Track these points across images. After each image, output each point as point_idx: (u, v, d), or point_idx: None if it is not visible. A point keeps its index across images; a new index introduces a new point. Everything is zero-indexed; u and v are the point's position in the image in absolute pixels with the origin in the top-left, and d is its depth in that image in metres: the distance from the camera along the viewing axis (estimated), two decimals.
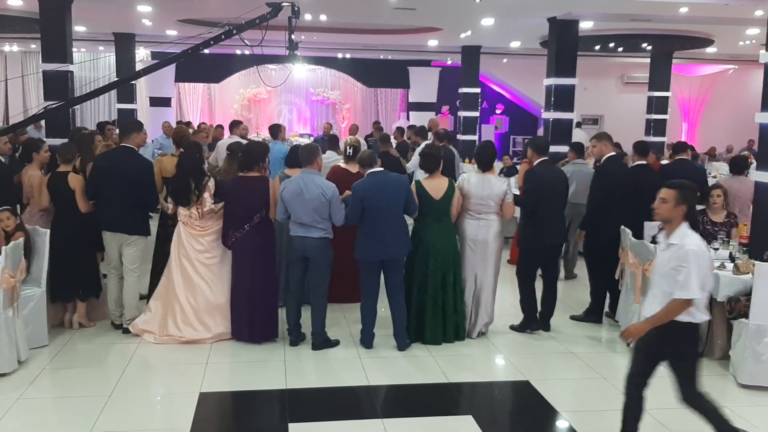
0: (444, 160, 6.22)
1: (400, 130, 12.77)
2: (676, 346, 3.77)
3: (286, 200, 5.58)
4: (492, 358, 5.82)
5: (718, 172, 12.29)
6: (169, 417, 4.66)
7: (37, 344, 5.59)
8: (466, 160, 12.66)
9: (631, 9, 10.46)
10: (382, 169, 5.78)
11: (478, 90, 16.67)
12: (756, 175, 6.69)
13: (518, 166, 10.53)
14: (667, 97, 16.49)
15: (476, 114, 16.88)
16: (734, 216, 6.64)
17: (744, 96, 19.48)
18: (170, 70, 18.38)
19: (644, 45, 14.70)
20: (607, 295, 6.77)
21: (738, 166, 7.65)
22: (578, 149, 8.31)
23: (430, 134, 10.19)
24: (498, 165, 10.81)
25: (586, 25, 11.70)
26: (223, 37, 7.29)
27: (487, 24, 12.45)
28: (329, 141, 9.42)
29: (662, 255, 3.80)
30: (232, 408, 4.92)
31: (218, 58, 18.80)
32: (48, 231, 5.75)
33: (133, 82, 15.25)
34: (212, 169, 6.90)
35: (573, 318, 6.73)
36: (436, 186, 5.84)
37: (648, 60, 16.67)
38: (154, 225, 6.43)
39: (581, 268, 7.91)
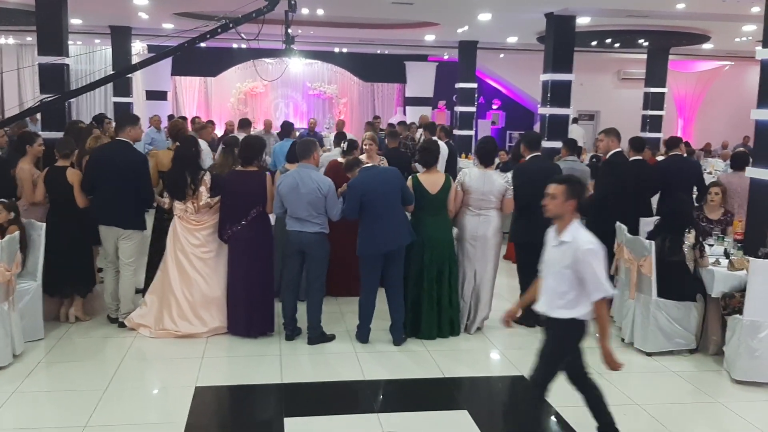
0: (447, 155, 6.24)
1: (390, 127, 12.76)
2: (553, 333, 3.81)
3: (282, 194, 5.58)
4: (488, 352, 5.84)
5: (713, 168, 12.33)
6: (164, 411, 4.66)
7: (33, 338, 5.59)
8: (462, 155, 12.67)
9: (628, 5, 10.46)
10: (371, 164, 5.81)
11: (474, 85, 16.66)
12: (751, 171, 6.70)
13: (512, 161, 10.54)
14: (664, 93, 16.51)
15: (473, 109, 16.87)
16: (730, 214, 6.67)
17: (740, 93, 19.52)
18: (167, 63, 18.31)
19: (641, 41, 14.71)
20: None
21: (738, 162, 7.67)
22: (571, 146, 8.33)
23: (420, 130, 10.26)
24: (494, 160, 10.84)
25: (582, 21, 11.69)
26: (219, 30, 7.26)
27: (484, 19, 12.43)
28: (336, 137, 9.45)
29: (553, 252, 3.75)
30: (228, 402, 4.93)
31: (215, 51, 18.75)
32: (44, 225, 5.74)
33: (130, 75, 15.19)
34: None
35: None
36: (432, 181, 5.85)
37: (644, 56, 16.67)
38: (150, 219, 6.42)
39: None
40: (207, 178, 5.89)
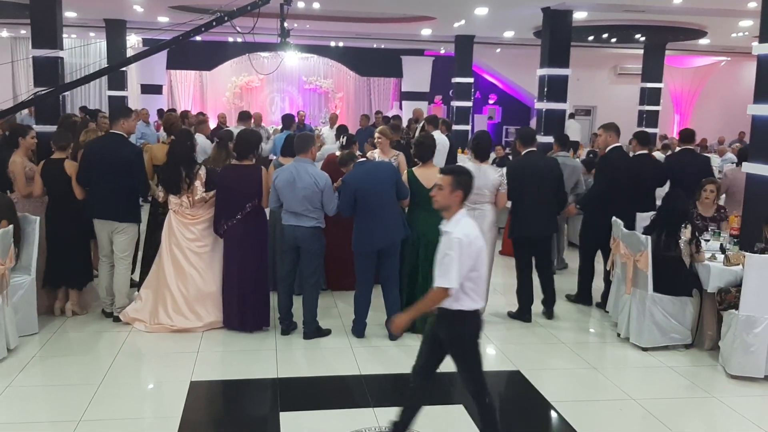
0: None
1: (386, 120, 12.74)
2: (446, 333, 3.69)
3: (278, 188, 5.56)
4: (483, 347, 5.80)
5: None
6: (159, 405, 4.65)
7: (27, 332, 5.57)
8: (459, 149, 12.65)
9: None
10: (365, 158, 5.78)
11: (471, 80, 16.63)
12: (747, 167, 6.70)
13: (510, 157, 10.54)
14: (660, 89, 16.53)
15: (469, 104, 16.84)
16: (724, 210, 6.68)
17: (736, 88, 19.53)
18: (162, 57, 18.24)
19: (637, 36, 14.70)
20: (595, 282, 6.88)
21: (746, 156, 7.66)
22: (562, 141, 8.33)
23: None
24: (490, 155, 10.83)
25: (579, 16, 11.67)
26: (214, 23, 7.22)
27: (480, 13, 12.41)
28: (338, 131, 9.44)
29: (440, 243, 3.70)
30: (223, 397, 4.92)
31: (210, 45, 18.68)
32: (38, 218, 5.71)
33: (124, 69, 15.12)
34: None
35: (568, 297, 6.95)
36: (427, 175, 5.83)
37: (641, 51, 16.68)
38: (144, 213, 6.39)
39: (574, 261, 7.94)
40: (202, 172, 5.86)
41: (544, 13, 11.06)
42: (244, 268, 5.75)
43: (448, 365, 5.29)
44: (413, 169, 5.94)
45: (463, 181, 3.66)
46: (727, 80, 20.51)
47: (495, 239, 6.18)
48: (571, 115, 16.95)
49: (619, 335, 5.98)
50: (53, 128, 7.44)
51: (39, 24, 9.60)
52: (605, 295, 6.65)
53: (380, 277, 5.77)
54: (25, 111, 11.92)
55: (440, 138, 8.36)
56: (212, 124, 12.52)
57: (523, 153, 6.38)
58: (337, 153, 7.13)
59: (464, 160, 10.18)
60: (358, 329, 5.82)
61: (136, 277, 6.62)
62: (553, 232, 6.54)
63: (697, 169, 7.13)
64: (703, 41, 15.62)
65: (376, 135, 7.04)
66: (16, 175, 6.08)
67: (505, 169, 6.29)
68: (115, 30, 14.71)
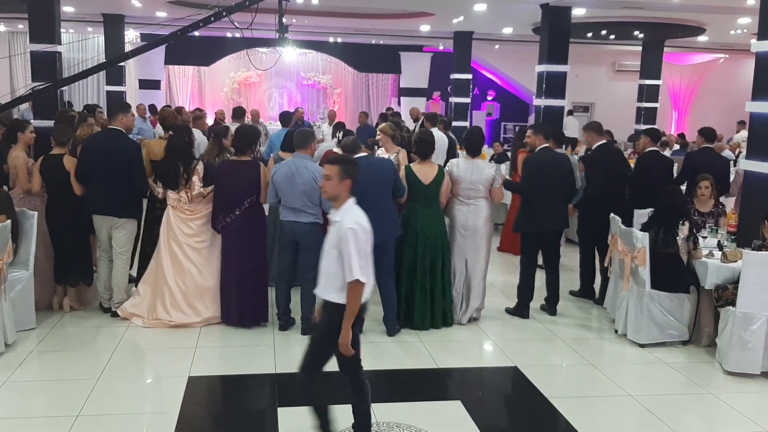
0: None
1: (383, 117, 12.73)
2: (326, 323, 3.67)
3: (277, 184, 5.56)
4: (481, 343, 5.84)
5: None
6: (157, 401, 4.65)
7: (25, 327, 5.57)
8: (458, 146, 12.66)
9: None
10: (366, 153, 5.78)
11: (469, 76, 16.62)
12: (745, 164, 6.72)
13: (509, 153, 10.54)
14: (658, 86, 16.52)
15: (467, 100, 16.85)
16: (721, 206, 6.69)
17: (734, 85, 19.54)
18: (160, 52, 18.20)
19: (636, 33, 14.70)
20: (597, 278, 6.92)
21: None
22: (558, 138, 8.35)
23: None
24: (488, 151, 10.83)
25: (578, 12, 11.66)
26: (212, 19, 7.22)
27: (479, 10, 12.39)
28: (335, 127, 9.42)
29: (329, 233, 3.70)
30: (222, 392, 4.92)
31: (208, 40, 18.64)
32: (36, 213, 5.70)
33: (122, 64, 15.09)
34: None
35: (572, 293, 7.01)
36: (425, 171, 5.84)
37: (639, 48, 16.68)
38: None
39: (572, 258, 7.95)
40: (200, 167, 5.85)
41: (542, 10, 11.05)
42: (242, 264, 5.75)
43: (441, 360, 5.32)
44: (411, 165, 5.94)
45: (350, 170, 3.66)
46: (726, 77, 20.51)
47: (491, 235, 6.18)
48: (570, 112, 16.95)
49: (616, 332, 6.00)
50: (51, 123, 7.42)
51: (37, 18, 9.57)
52: (603, 290, 6.69)
53: (375, 273, 5.77)
54: (25, 105, 11.87)
55: (438, 135, 8.36)
56: (210, 121, 12.50)
57: (537, 149, 6.43)
58: (335, 149, 7.13)
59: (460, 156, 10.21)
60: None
61: (134, 272, 6.61)
62: (565, 226, 6.59)
63: (717, 170, 7.10)
64: (702, 38, 15.62)
65: (378, 133, 7.05)
66: (18, 169, 6.07)
67: (502, 166, 6.30)
68: (114, 25, 14.67)
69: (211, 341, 5.60)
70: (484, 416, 4.48)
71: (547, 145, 6.45)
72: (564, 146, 9.62)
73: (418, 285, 5.86)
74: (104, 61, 9.93)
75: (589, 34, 14.64)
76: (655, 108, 16.56)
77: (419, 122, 10.60)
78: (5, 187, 6.09)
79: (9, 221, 5.35)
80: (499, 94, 21.79)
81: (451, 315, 6.05)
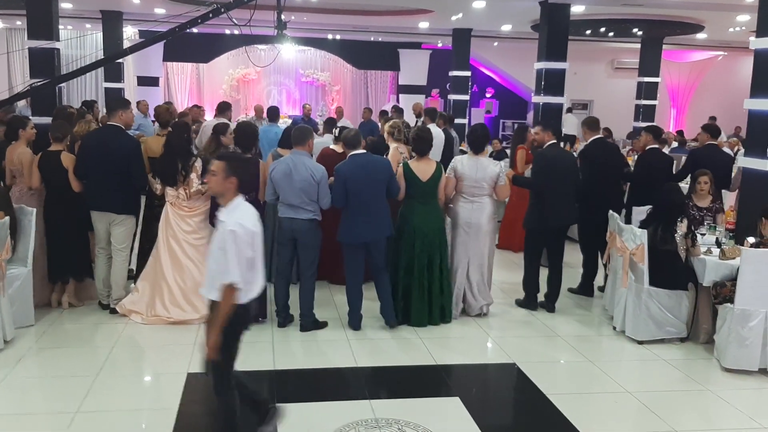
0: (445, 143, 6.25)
1: (383, 113, 12.73)
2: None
3: (275, 181, 5.55)
4: (479, 340, 5.85)
5: None
6: (156, 397, 4.66)
7: (24, 324, 5.56)
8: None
9: None
10: (364, 151, 5.78)
11: (468, 73, 16.61)
12: (743, 161, 6.73)
13: (508, 151, 10.54)
14: (657, 83, 16.53)
15: (466, 97, 16.84)
16: (720, 201, 6.70)
17: (733, 83, 19.55)
18: (158, 49, 18.16)
19: (635, 30, 14.70)
20: (597, 276, 6.98)
21: None
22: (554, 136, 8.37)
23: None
24: (487, 149, 10.82)
25: (577, 9, 11.66)
26: (211, 15, 7.22)
27: (478, 7, 12.39)
28: (326, 123, 9.39)
29: (216, 231, 3.63)
30: None
31: (207, 37, 18.61)
32: (34, 210, 5.70)
33: (121, 60, 15.07)
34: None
35: (570, 290, 7.02)
36: (423, 168, 5.84)
37: (638, 45, 16.67)
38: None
39: (571, 255, 7.96)
40: (198, 164, 5.85)
41: (541, 7, 11.05)
42: None
43: (440, 356, 5.33)
44: (409, 162, 5.94)
45: (237, 168, 3.60)
46: (724, 75, 20.52)
47: (495, 232, 6.20)
48: (569, 109, 16.96)
49: (615, 328, 6.01)
50: (49, 120, 7.41)
51: (35, 15, 9.56)
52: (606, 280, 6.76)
53: (369, 268, 5.80)
54: (22, 102, 11.86)
55: (435, 131, 8.35)
56: (208, 117, 12.45)
57: (546, 145, 6.45)
58: (332, 146, 7.13)
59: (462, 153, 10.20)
60: (354, 322, 5.83)
61: (133, 268, 6.61)
62: (574, 222, 6.63)
63: (720, 167, 7.10)
64: (701, 36, 15.62)
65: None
66: (24, 165, 6.05)
67: (501, 163, 6.30)
68: (112, 21, 14.65)
69: None
70: (482, 413, 4.49)
71: (555, 141, 6.48)
72: (564, 143, 9.65)
73: (415, 282, 5.86)
74: (102, 57, 9.92)
75: (588, 32, 14.64)
76: (654, 105, 16.56)
77: (422, 118, 10.57)
78: (0, 183, 6.08)
79: (7, 218, 5.35)
80: (497, 91, 21.78)
81: (449, 311, 6.06)
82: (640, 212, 6.30)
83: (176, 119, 7.26)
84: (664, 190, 5.91)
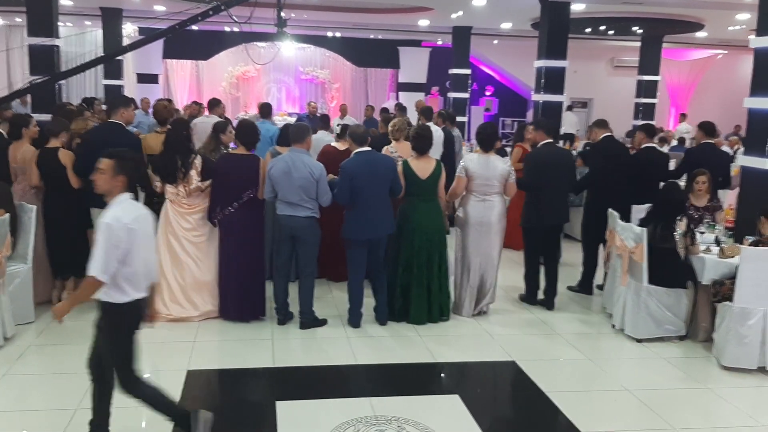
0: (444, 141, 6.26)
1: (384, 110, 12.73)
2: (102, 326, 3.61)
3: (273, 179, 5.55)
4: (478, 337, 5.85)
5: None
6: None
7: (24, 320, 5.57)
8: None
9: None
10: (369, 149, 5.78)
11: (468, 71, 16.62)
12: (742, 159, 6.74)
13: (508, 149, 10.54)
14: (657, 81, 16.55)
15: (466, 95, 16.84)
16: (717, 200, 6.71)
17: (732, 81, 19.56)
18: (158, 46, 18.17)
19: (635, 28, 14.70)
20: (597, 275, 7.00)
21: None
22: (551, 133, 8.38)
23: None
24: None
25: (577, 8, 11.66)
26: (210, 12, 7.22)
27: (478, 4, 12.39)
28: (320, 120, 9.36)
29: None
30: (220, 386, 4.93)
31: (206, 34, 18.60)
32: (35, 207, 5.70)
33: (120, 57, 15.05)
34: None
35: (569, 288, 7.04)
36: (423, 166, 5.85)
37: (638, 44, 16.68)
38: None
39: (570, 254, 7.97)
40: (197, 161, 5.84)
41: (542, 5, 11.04)
42: (240, 258, 5.75)
43: (439, 354, 5.33)
44: (408, 160, 5.94)
45: (126, 166, 3.56)
46: (724, 73, 20.53)
47: (504, 230, 6.19)
48: (569, 108, 16.96)
49: (614, 326, 6.01)
50: (49, 117, 7.40)
51: (34, 12, 9.56)
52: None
53: (369, 265, 5.82)
54: (15, 101, 11.83)
55: (432, 129, 8.35)
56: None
57: (540, 144, 6.47)
58: (333, 144, 7.13)
59: (466, 152, 10.22)
60: (354, 319, 5.84)
61: None
62: (566, 221, 6.66)
63: (718, 165, 7.09)
64: (701, 34, 15.63)
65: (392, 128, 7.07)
66: (27, 163, 6.04)
67: (509, 159, 6.34)
68: (112, 18, 14.65)
69: (210, 335, 5.60)
70: (481, 410, 4.50)
71: (550, 140, 6.49)
72: (563, 142, 9.66)
73: (414, 279, 5.87)
74: (102, 54, 9.92)
75: (588, 30, 14.64)
76: (654, 104, 16.58)
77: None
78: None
79: (8, 215, 5.35)
80: (497, 89, 21.79)
81: (447, 309, 6.07)
82: (639, 211, 6.31)
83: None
84: (663, 188, 5.91)
